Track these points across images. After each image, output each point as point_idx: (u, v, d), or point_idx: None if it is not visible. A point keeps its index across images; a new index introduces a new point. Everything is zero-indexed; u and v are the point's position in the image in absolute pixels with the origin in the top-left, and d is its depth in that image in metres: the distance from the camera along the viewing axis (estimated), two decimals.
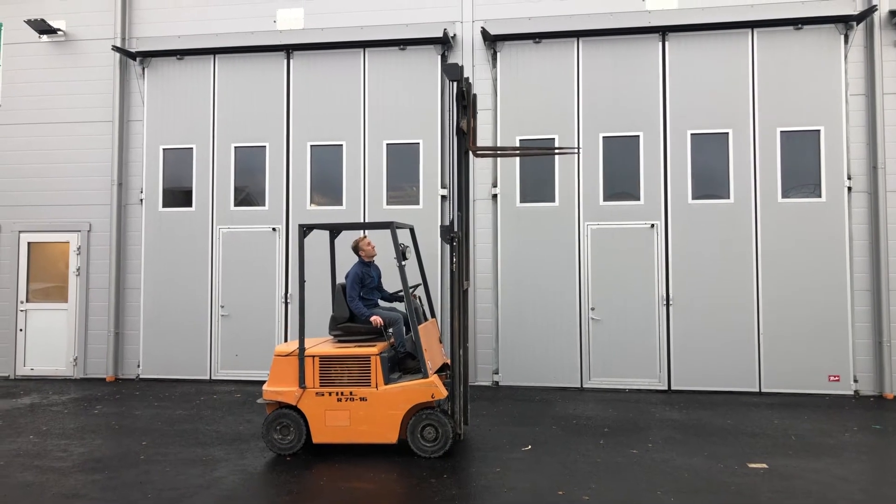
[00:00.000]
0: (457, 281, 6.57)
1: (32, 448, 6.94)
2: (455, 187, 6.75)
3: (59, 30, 11.00)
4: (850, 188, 9.38)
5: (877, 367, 9.21)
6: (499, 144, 10.05)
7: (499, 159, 10.02)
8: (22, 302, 10.97)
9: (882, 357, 9.14)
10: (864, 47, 9.45)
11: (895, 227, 9.24)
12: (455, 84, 6.70)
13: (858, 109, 9.43)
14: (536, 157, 9.94)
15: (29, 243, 11.05)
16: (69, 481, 5.87)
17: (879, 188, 9.23)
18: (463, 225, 6.65)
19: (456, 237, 6.56)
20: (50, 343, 10.91)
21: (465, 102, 6.67)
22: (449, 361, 7.30)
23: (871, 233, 9.32)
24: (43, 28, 10.87)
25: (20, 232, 11.04)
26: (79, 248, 10.90)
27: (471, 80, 6.60)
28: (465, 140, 6.73)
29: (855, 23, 9.39)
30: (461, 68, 6.57)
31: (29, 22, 10.77)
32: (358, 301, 7.05)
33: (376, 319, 6.88)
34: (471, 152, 6.76)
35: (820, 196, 9.43)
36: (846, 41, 9.46)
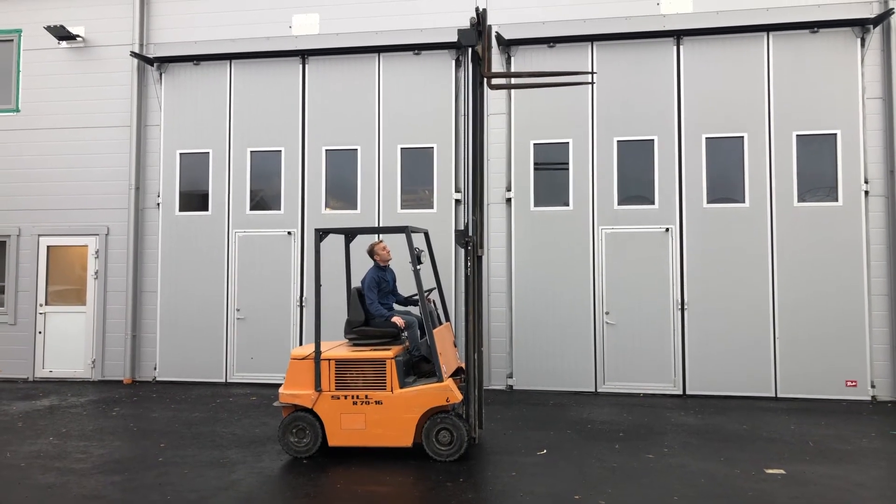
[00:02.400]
0: (472, 285, 6.59)
1: (52, 450, 7.03)
2: (469, 123, 6.75)
3: (78, 36, 11.15)
4: (867, 192, 9.32)
5: (894, 372, 9.13)
6: (513, 150, 10.08)
7: (512, 161, 10.04)
8: (41, 305, 11.11)
9: None
10: (881, 50, 9.39)
11: None
12: (471, 49, 6.73)
13: (876, 113, 9.37)
14: (551, 165, 9.95)
15: (48, 247, 11.19)
16: (89, 483, 5.95)
17: None
18: (479, 172, 6.70)
19: (471, 241, 6.58)
20: (68, 345, 11.04)
21: (481, 28, 6.66)
22: (464, 365, 7.32)
23: (888, 237, 9.25)
24: (62, 34, 11.02)
25: (39, 236, 11.19)
26: (97, 252, 11.02)
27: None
28: (480, 67, 6.74)
29: (872, 26, 9.33)
30: (477, 32, 6.60)
31: (48, 28, 10.91)
32: (377, 304, 7.09)
33: (398, 320, 6.92)
34: (485, 80, 6.79)
35: (836, 200, 9.37)
36: (863, 44, 9.41)
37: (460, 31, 6.65)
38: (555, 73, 6.78)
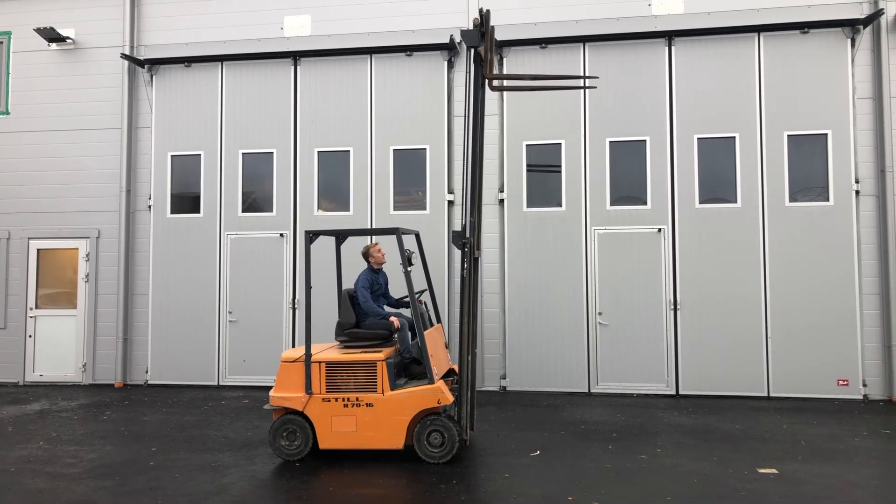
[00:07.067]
0: (468, 287, 6.56)
1: (43, 454, 6.97)
2: (469, 124, 6.67)
3: (68, 38, 11.08)
4: (857, 192, 9.35)
5: (886, 371, 9.16)
6: (505, 151, 10.07)
7: (505, 162, 10.03)
8: (31, 308, 11.04)
9: (891, 361, 9.09)
10: (871, 51, 9.43)
11: None
12: (473, 50, 6.68)
13: (866, 113, 9.41)
14: (543, 167, 9.95)
15: (38, 250, 11.12)
16: (80, 487, 5.90)
17: (888, 191, 9.20)
18: (477, 171, 6.63)
19: (468, 243, 6.55)
20: (59, 349, 10.97)
21: (484, 30, 6.62)
22: (455, 367, 7.30)
23: (879, 236, 9.29)
24: (52, 36, 10.96)
25: (29, 239, 11.11)
26: (87, 255, 10.96)
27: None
28: (482, 68, 6.69)
29: (862, 26, 9.37)
30: (480, 33, 6.55)
31: (38, 30, 10.85)
32: (371, 302, 7.06)
33: (395, 321, 6.92)
34: (486, 81, 6.73)
35: (828, 200, 9.40)
36: (853, 45, 9.44)
37: (463, 32, 6.63)
38: (555, 76, 6.75)
